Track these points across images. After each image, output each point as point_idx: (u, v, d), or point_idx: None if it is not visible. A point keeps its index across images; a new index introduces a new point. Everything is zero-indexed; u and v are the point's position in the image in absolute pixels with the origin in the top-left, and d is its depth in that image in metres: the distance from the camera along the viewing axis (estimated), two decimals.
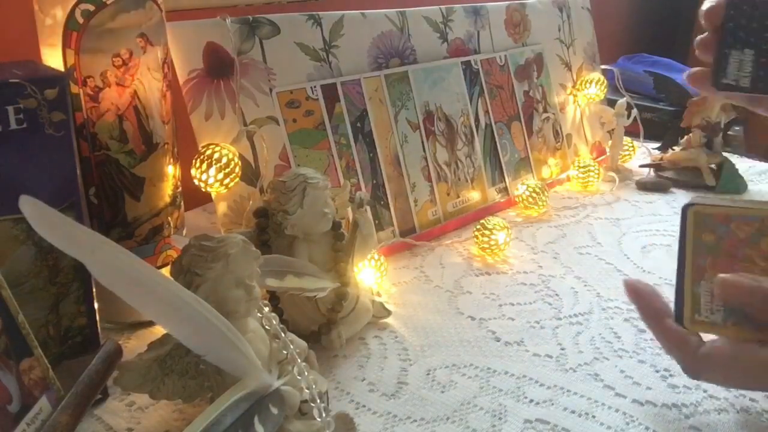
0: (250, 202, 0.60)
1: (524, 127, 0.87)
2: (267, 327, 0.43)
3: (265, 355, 0.41)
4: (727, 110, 0.90)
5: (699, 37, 0.44)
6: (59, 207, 0.41)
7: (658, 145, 1.04)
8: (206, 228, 0.74)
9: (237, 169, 0.58)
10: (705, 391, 0.48)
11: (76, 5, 0.46)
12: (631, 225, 0.78)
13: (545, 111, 0.91)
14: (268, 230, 0.54)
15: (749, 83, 0.41)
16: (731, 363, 0.40)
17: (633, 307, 0.46)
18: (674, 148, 0.94)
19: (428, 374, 0.50)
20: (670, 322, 0.43)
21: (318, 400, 0.40)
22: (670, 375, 0.50)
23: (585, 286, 0.63)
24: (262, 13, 0.65)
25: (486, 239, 0.68)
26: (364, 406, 0.46)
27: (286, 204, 0.51)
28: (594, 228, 0.77)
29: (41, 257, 0.42)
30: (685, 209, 0.43)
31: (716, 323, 0.41)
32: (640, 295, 0.45)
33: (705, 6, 0.44)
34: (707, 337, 0.42)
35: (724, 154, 0.91)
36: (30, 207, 0.33)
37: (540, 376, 0.50)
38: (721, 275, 0.40)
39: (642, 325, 0.56)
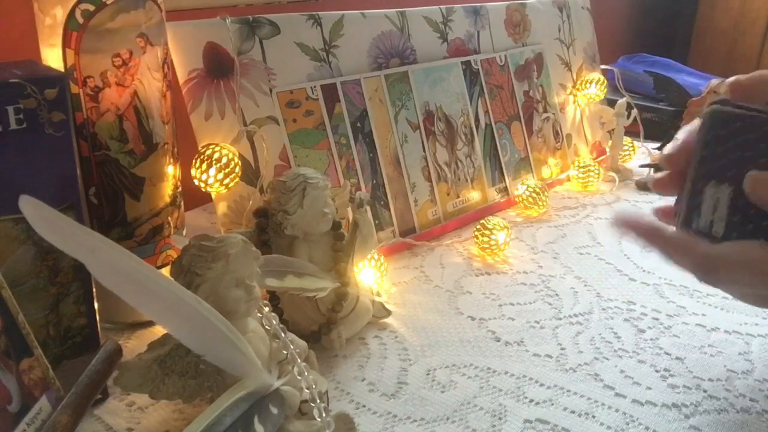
0: (250, 202, 0.60)
1: (524, 127, 0.87)
2: (267, 327, 0.43)
3: (265, 355, 0.41)
4: None
5: (656, 176, 0.42)
6: (59, 207, 0.41)
7: (658, 145, 1.04)
8: (206, 228, 0.74)
9: (237, 169, 0.58)
10: (705, 391, 0.48)
11: (76, 5, 0.46)
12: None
13: (545, 111, 0.91)
14: (268, 230, 0.54)
15: (723, 229, 0.36)
16: (750, 255, 0.36)
17: (632, 302, 0.44)
18: None
19: (428, 374, 0.50)
20: (672, 231, 0.40)
21: (318, 400, 0.40)
22: (670, 375, 0.50)
23: (585, 286, 0.63)
24: (262, 13, 0.65)
25: (486, 239, 0.68)
26: (364, 406, 0.46)
27: (286, 204, 0.51)
28: (594, 228, 0.77)
29: (41, 257, 0.42)
30: (705, 111, 0.38)
31: (717, 233, 0.37)
32: (632, 222, 0.42)
33: (667, 150, 0.41)
34: None
35: None
36: (30, 207, 0.33)
37: (540, 376, 0.50)
38: (752, 172, 0.36)
39: (642, 325, 0.56)
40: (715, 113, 0.37)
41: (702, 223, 0.37)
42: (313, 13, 0.68)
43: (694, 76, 1.26)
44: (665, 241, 0.40)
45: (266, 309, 0.43)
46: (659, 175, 0.43)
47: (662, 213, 0.42)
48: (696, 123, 0.40)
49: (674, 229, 0.40)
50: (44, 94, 0.40)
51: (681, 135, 0.42)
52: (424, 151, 0.74)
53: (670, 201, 0.42)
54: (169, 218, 0.55)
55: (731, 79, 0.39)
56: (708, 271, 0.38)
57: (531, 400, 0.47)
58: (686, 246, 0.39)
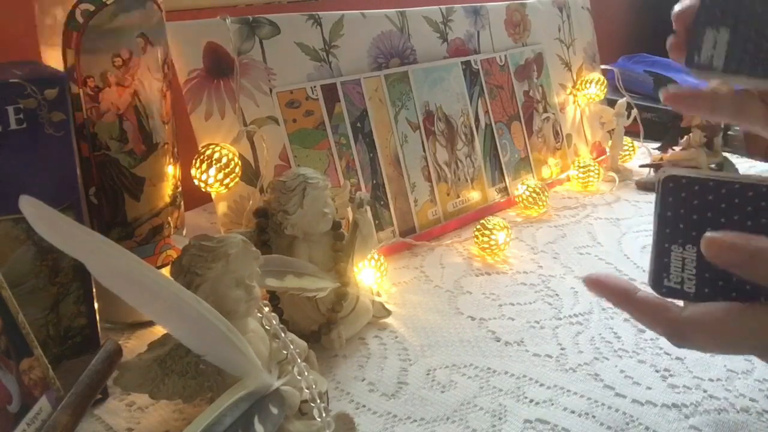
0: (250, 202, 0.60)
1: (524, 127, 0.87)
2: (267, 327, 0.43)
3: (265, 355, 0.41)
4: None
5: (670, 38, 0.41)
6: (59, 207, 0.41)
7: (658, 145, 1.04)
8: (206, 228, 0.74)
9: (237, 169, 0.58)
10: (705, 391, 0.48)
11: (76, 5, 0.46)
12: (631, 225, 0.78)
13: (545, 111, 0.91)
14: (268, 230, 0.54)
15: (722, 63, 0.37)
16: (720, 323, 0.36)
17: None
18: (674, 148, 0.94)
19: (428, 374, 0.50)
20: (642, 294, 0.40)
21: (318, 400, 0.40)
22: (670, 375, 0.50)
23: (587, 274, 0.63)
24: (262, 13, 0.65)
25: (486, 239, 0.68)
26: (364, 406, 0.46)
27: (286, 204, 0.51)
28: (594, 228, 0.77)
29: (41, 257, 0.42)
30: (659, 177, 0.39)
31: (689, 291, 0.38)
32: (603, 284, 0.41)
33: (677, 8, 0.41)
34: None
35: (724, 154, 0.91)
36: (30, 207, 0.33)
37: (540, 376, 0.50)
38: (707, 233, 0.36)
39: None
40: (669, 179, 0.38)
41: (672, 283, 0.38)
42: (313, 13, 0.68)
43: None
44: (634, 305, 0.40)
45: (266, 309, 0.43)
46: (673, 38, 0.42)
47: (673, 48, 0.41)
48: None
49: (643, 291, 0.40)
50: (44, 94, 0.40)
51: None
52: (424, 151, 0.74)
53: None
54: (169, 218, 0.55)
55: (671, 89, 0.40)
56: (678, 338, 0.38)
57: (531, 400, 0.47)
58: (655, 311, 0.39)
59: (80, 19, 0.46)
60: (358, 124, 0.69)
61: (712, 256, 0.36)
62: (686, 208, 0.37)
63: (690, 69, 0.39)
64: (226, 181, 0.58)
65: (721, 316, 0.36)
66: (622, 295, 0.40)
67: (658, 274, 0.38)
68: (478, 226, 0.69)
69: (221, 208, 0.59)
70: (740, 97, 0.39)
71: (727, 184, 0.36)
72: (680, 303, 0.38)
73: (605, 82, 0.95)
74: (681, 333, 0.38)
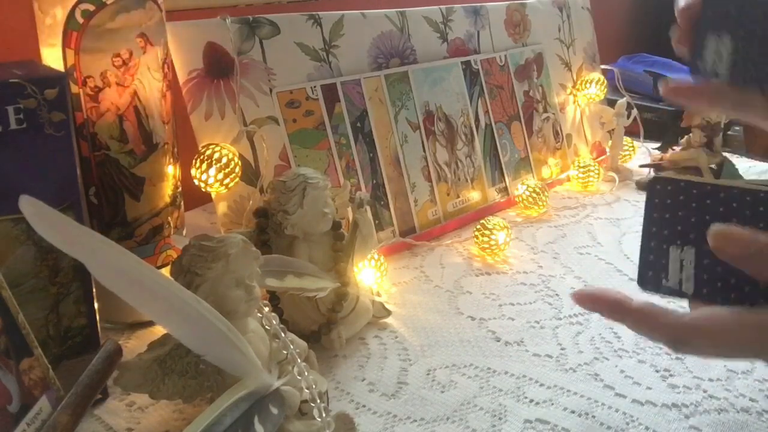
0: (250, 202, 0.60)
1: (524, 127, 0.87)
2: (267, 327, 0.43)
3: (265, 355, 0.41)
4: None
5: (674, 32, 0.42)
6: (59, 207, 0.41)
7: (658, 145, 1.04)
8: (206, 228, 0.74)
9: (237, 169, 0.58)
10: (705, 391, 0.48)
11: (76, 5, 0.46)
12: (631, 225, 0.78)
13: (545, 111, 0.91)
14: (268, 230, 0.54)
15: (693, 287, 0.36)
16: (721, 327, 0.36)
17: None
18: (674, 148, 0.94)
19: (428, 374, 0.50)
20: (638, 303, 0.39)
21: (318, 400, 0.40)
22: (670, 375, 0.50)
23: (585, 286, 0.63)
24: (262, 13, 0.65)
25: (486, 239, 0.68)
26: (364, 406, 0.46)
27: (286, 204, 0.51)
28: (594, 228, 0.77)
29: (41, 257, 0.42)
30: (652, 178, 0.39)
31: (687, 291, 0.38)
32: (595, 297, 0.40)
33: (681, 2, 0.41)
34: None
35: (724, 154, 0.91)
36: (30, 207, 0.33)
37: (540, 376, 0.50)
38: (715, 226, 0.36)
39: None
40: (668, 180, 0.38)
41: (671, 283, 0.37)
42: (313, 13, 0.68)
43: None
44: (631, 315, 0.39)
45: (266, 309, 0.43)
46: (677, 32, 0.41)
47: (618, 294, 0.40)
48: None
49: (638, 300, 0.39)
50: (44, 94, 0.40)
51: None
52: (424, 151, 0.74)
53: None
54: (169, 218, 0.55)
55: (671, 81, 0.39)
56: (679, 344, 0.38)
57: (531, 400, 0.47)
58: (654, 318, 0.38)
59: (80, 19, 0.46)
60: (358, 124, 0.69)
61: (718, 248, 0.35)
62: (684, 210, 0.37)
63: (693, 74, 0.39)
64: (226, 181, 0.57)
65: (722, 320, 0.36)
66: (616, 306, 0.39)
67: (656, 275, 0.38)
68: (478, 226, 0.69)
69: (221, 208, 0.59)
70: (740, 90, 0.39)
71: (726, 188, 0.36)
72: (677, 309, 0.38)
73: (605, 82, 0.95)
74: (682, 338, 0.37)
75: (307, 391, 0.40)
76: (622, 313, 0.39)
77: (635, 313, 0.39)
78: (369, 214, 0.64)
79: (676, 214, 0.37)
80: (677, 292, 0.37)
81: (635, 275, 0.70)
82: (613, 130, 0.95)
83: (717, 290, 0.37)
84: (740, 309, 0.36)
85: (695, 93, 0.41)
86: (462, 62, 0.80)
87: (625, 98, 0.94)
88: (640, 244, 0.39)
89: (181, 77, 0.58)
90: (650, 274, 0.38)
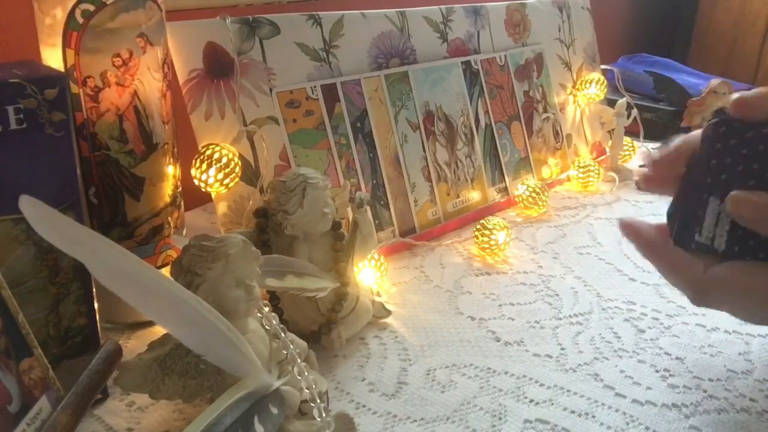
0: (250, 202, 0.60)
1: (524, 127, 0.87)
2: (267, 327, 0.43)
3: (265, 355, 0.41)
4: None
5: (646, 174, 0.43)
6: (59, 207, 0.41)
7: (658, 145, 1.04)
8: (206, 228, 0.74)
9: (237, 169, 0.58)
10: (705, 391, 0.48)
11: (76, 5, 0.46)
12: (645, 219, 0.78)
13: (545, 111, 0.91)
14: (268, 230, 0.54)
15: (725, 244, 0.36)
16: (743, 281, 0.36)
17: (632, 302, 0.44)
18: None
19: (428, 374, 0.50)
20: (671, 248, 0.40)
21: (318, 400, 0.40)
22: (670, 375, 0.50)
23: (585, 286, 0.63)
24: (262, 13, 0.65)
25: (486, 239, 0.68)
26: (364, 406, 0.46)
27: (286, 204, 0.51)
28: (594, 228, 0.77)
29: (41, 257, 0.42)
30: (710, 121, 0.37)
31: (718, 248, 0.37)
32: (637, 230, 0.43)
33: (660, 152, 0.41)
34: None
35: None
36: (30, 207, 0.33)
37: (540, 376, 0.50)
38: (734, 192, 0.36)
39: (642, 325, 0.56)
40: (720, 124, 0.37)
41: (703, 237, 0.37)
42: (313, 13, 0.68)
43: (694, 76, 1.26)
44: (662, 258, 0.41)
45: (266, 309, 0.43)
46: (647, 171, 0.43)
47: (660, 232, 0.42)
48: (692, 134, 0.40)
49: (671, 247, 0.40)
50: (44, 94, 0.40)
51: (675, 141, 0.43)
52: (424, 151, 0.74)
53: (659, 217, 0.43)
54: (169, 218, 0.55)
55: (735, 96, 0.38)
56: (700, 294, 0.39)
57: (531, 400, 0.47)
58: (682, 266, 0.39)
59: (80, 19, 0.46)
60: (358, 124, 0.69)
61: (736, 213, 0.36)
62: (734, 157, 0.35)
63: (686, 247, 0.37)
64: (226, 181, 0.58)
65: (743, 274, 0.36)
66: (651, 245, 0.41)
67: (689, 229, 0.36)
68: (478, 226, 0.69)
69: (221, 208, 0.59)
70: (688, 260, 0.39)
71: None
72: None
73: (605, 82, 0.95)
74: (704, 290, 0.38)
75: (307, 391, 0.40)
76: (655, 253, 0.41)
77: (666, 257, 0.40)
78: (369, 214, 0.64)
79: (724, 162, 0.35)
80: (708, 248, 0.36)
81: (635, 275, 0.71)
82: (613, 130, 0.95)
83: (748, 249, 0.35)
84: (761, 263, 0.36)
85: (644, 243, 0.42)
86: (462, 62, 0.80)
87: (625, 98, 0.94)
88: (676, 193, 0.37)
89: (181, 77, 0.58)
90: (683, 228, 0.36)
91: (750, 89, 0.39)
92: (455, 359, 0.52)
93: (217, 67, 0.60)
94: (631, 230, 0.43)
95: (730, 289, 0.37)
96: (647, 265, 0.67)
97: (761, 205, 0.36)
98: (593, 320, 0.57)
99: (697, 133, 0.40)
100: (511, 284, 0.64)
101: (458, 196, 0.77)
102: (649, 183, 0.43)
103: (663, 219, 0.42)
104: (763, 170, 0.35)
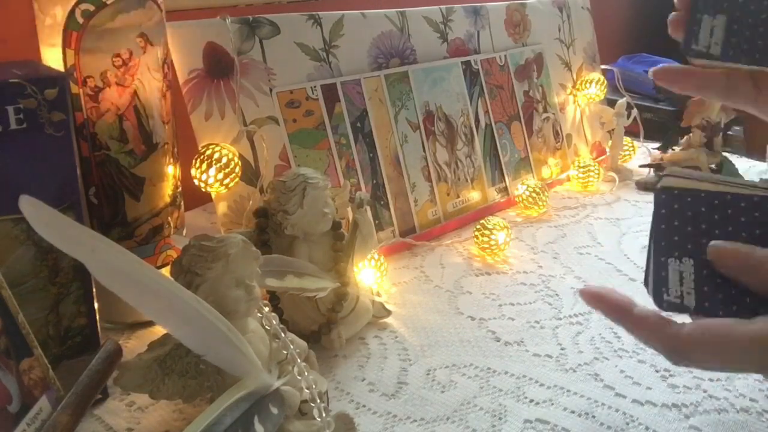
0: (250, 202, 0.60)
1: (524, 127, 0.87)
2: (267, 327, 0.43)
3: (265, 355, 0.41)
4: (727, 110, 0.90)
5: (672, 15, 0.42)
6: (59, 207, 0.41)
7: (658, 145, 1.04)
8: (206, 228, 0.74)
9: (237, 169, 0.58)
10: (705, 391, 0.48)
11: (76, 5, 0.46)
12: (631, 225, 0.78)
13: (545, 111, 0.91)
14: (268, 230, 0.54)
15: (720, 51, 0.38)
16: (721, 339, 0.35)
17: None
18: (674, 148, 0.94)
19: (428, 374, 0.50)
20: (639, 310, 0.38)
21: (318, 400, 0.40)
22: (670, 375, 0.50)
23: (585, 286, 0.63)
24: (262, 13, 0.65)
25: (486, 239, 0.68)
26: (364, 406, 0.46)
27: (286, 204, 0.51)
28: (594, 228, 0.77)
29: (41, 257, 0.42)
30: (657, 185, 0.38)
31: (689, 306, 0.37)
32: (600, 297, 0.40)
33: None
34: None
35: (724, 154, 0.91)
36: (30, 207, 0.33)
37: (540, 376, 0.50)
38: (713, 243, 0.36)
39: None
40: (663, 191, 0.38)
41: (671, 297, 0.37)
42: (313, 13, 0.68)
43: None
44: (632, 321, 0.39)
45: (266, 309, 0.43)
46: (674, 14, 0.42)
47: (623, 295, 0.40)
48: None
49: (641, 307, 0.39)
50: (44, 94, 0.40)
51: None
52: (424, 151, 0.74)
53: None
54: (169, 218, 0.55)
55: (659, 65, 0.40)
56: (679, 356, 0.37)
57: (531, 400, 0.47)
58: (654, 328, 0.37)
59: (80, 19, 0.46)
60: (358, 124, 0.69)
61: (718, 264, 0.36)
62: (680, 220, 0.37)
63: (687, 54, 0.39)
64: (226, 181, 0.58)
65: (722, 331, 0.35)
66: (619, 310, 0.39)
67: (658, 289, 0.37)
68: (478, 226, 0.69)
69: (221, 208, 0.59)
70: (731, 76, 0.40)
71: (719, 195, 0.36)
72: (679, 320, 0.38)
73: (605, 82, 0.95)
74: (681, 350, 0.37)
75: (307, 391, 0.40)
76: (623, 319, 0.39)
77: (636, 321, 0.38)
78: (369, 214, 0.64)
79: (673, 224, 0.37)
80: (679, 306, 0.37)
81: (635, 275, 0.71)
82: (613, 130, 0.95)
83: (718, 302, 0.36)
84: (738, 320, 0.35)
85: (685, 76, 0.41)
86: (462, 62, 0.80)
87: (625, 98, 0.94)
88: (649, 258, 0.38)
89: (181, 77, 0.58)
90: (655, 289, 0.37)
91: None
92: (455, 359, 0.52)
93: (217, 67, 0.60)
94: (593, 297, 0.40)
95: (705, 349, 0.36)
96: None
97: (743, 254, 0.36)
98: (593, 320, 0.57)
99: None
100: (511, 284, 0.64)
101: (458, 196, 0.77)
102: (675, 24, 0.41)
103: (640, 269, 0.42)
104: (711, 228, 0.36)
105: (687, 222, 0.37)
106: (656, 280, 0.38)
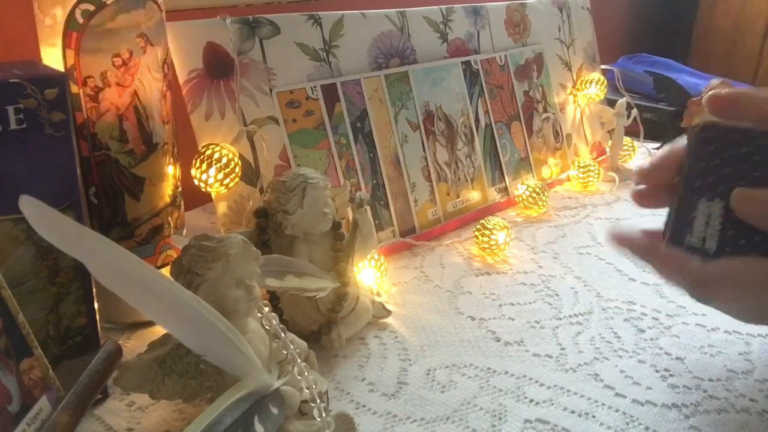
0: (250, 202, 0.60)
1: (524, 127, 0.87)
2: (267, 327, 0.43)
3: (265, 355, 0.41)
4: None
5: (636, 189, 0.43)
6: (59, 207, 0.41)
7: (658, 145, 1.04)
8: (206, 228, 0.74)
9: (237, 169, 0.58)
10: (705, 392, 0.48)
11: (76, 5, 0.46)
12: (631, 225, 0.78)
13: (545, 111, 0.91)
14: (268, 230, 0.54)
15: (716, 245, 0.36)
16: (742, 273, 0.37)
17: (632, 302, 0.44)
18: None
19: (428, 374, 0.50)
20: (665, 248, 0.40)
21: (318, 400, 0.40)
22: (670, 375, 0.50)
23: (585, 286, 0.63)
24: (262, 13, 0.65)
25: (486, 239, 0.68)
26: (364, 406, 0.46)
27: (286, 204, 0.51)
28: (594, 228, 0.77)
29: (41, 257, 0.42)
30: (696, 125, 0.38)
31: (710, 249, 0.37)
32: (627, 238, 0.43)
33: (651, 160, 0.42)
34: None
35: None
36: (30, 207, 0.33)
37: (540, 376, 0.50)
38: (738, 189, 0.36)
39: (642, 325, 0.56)
40: (705, 128, 0.37)
41: (694, 239, 0.37)
42: (313, 13, 0.68)
43: (694, 76, 1.26)
44: (658, 257, 0.41)
45: (266, 309, 0.43)
46: (639, 187, 0.43)
47: (649, 235, 0.43)
48: (678, 142, 0.41)
49: (666, 246, 0.40)
50: (44, 94, 0.40)
51: (660, 152, 0.43)
52: (424, 151, 0.74)
53: (658, 216, 0.43)
54: (169, 218, 0.55)
55: (710, 93, 0.39)
56: (700, 288, 0.39)
57: (531, 400, 0.47)
58: (679, 262, 0.39)
59: (80, 19, 0.46)
60: (358, 124, 0.69)
61: (740, 210, 0.36)
62: (720, 160, 0.35)
63: (677, 249, 0.38)
64: (226, 181, 0.58)
65: (743, 267, 0.37)
66: (645, 247, 0.41)
67: (680, 231, 0.37)
68: (478, 226, 0.69)
69: (221, 208, 0.59)
70: (677, 256, 0.40)
71: (765, 135, 0.34)
72: None
73: (605, 82, 0.95)
74: (704, 284, 0.38)
75: (307, 391, 0.40)
76: (650, 254, 0.41)
77: (662, 257, 0.40)
78: (369, 214, 0.64)
79: (712, 164, 0.36)
80: (700, 249, 0.36)
81: (635, 275, 0.71)
82: (613, 130, 0.95)
83: (740, 248, 0.36)
84: (761, 258, 0.36)
85: (637, 248, 0.42)
86: (462, 62, 0.80)
87: (625, 98, 0.94)
88: (676, 199, 0.38)
89: (181, 77, 0.58)
90: (675, 232, 0.37)
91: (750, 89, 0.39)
92: (455, 359, 0.52)
93: (217, 67, 0.60)
94: (621, 238, 0.43)
95: (727, 282, 0.38)
96: (647, 265, 0.67)
97: (766, 202, 0.36)
98: (593, 320, 0.57)
99: (681, 142, 0.41)
100: (511, 284, 0.64)
101: (458, 196, 0.77)
102: (642, 198, 0.44)
103: (662, 219, 0.42)
104: (751, 170, 0.35)
105: (724, 163, 0.35)
106: (679, 222, 0.37)
